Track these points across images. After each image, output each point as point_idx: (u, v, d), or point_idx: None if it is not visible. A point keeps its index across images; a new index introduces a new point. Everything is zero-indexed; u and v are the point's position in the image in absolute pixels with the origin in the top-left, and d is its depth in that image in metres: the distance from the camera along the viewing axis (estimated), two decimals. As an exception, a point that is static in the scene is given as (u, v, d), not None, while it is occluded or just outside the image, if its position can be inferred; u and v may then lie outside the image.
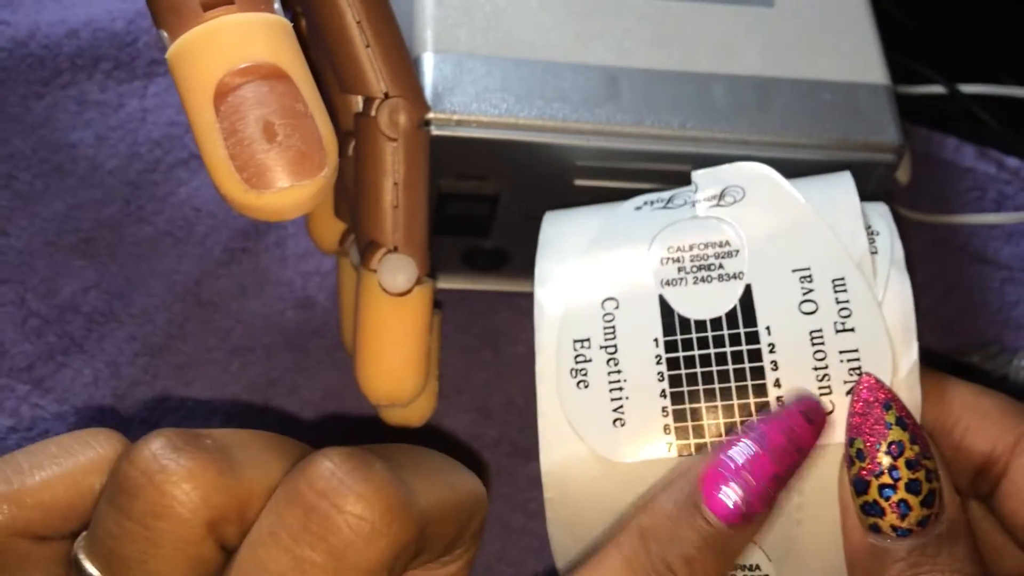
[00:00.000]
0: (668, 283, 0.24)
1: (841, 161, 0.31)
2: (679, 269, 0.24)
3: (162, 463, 0.19)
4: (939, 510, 0.21)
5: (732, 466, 0.21)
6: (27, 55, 0.39)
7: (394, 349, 0.27)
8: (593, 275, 0.25)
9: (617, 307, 0.24)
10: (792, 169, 0.30)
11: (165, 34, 0.21)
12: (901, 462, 0.21)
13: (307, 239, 0.36)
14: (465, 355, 0.35)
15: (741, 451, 0.21)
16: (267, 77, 0.20)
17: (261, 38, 0.21)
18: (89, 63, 0.39)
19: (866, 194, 0.32)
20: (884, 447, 0.21)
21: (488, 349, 0.35)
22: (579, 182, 0.31)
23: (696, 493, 0.21)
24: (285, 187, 0.20)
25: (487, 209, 0.32)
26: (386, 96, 0.26)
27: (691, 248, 0.24)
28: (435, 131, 0.29)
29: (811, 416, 0.21)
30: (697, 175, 0.26)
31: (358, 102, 0.26)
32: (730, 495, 0.20)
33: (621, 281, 0.24)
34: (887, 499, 0.21)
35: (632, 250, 0.25)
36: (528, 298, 0.26)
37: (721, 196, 0.25)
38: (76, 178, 0.37)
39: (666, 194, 0.26)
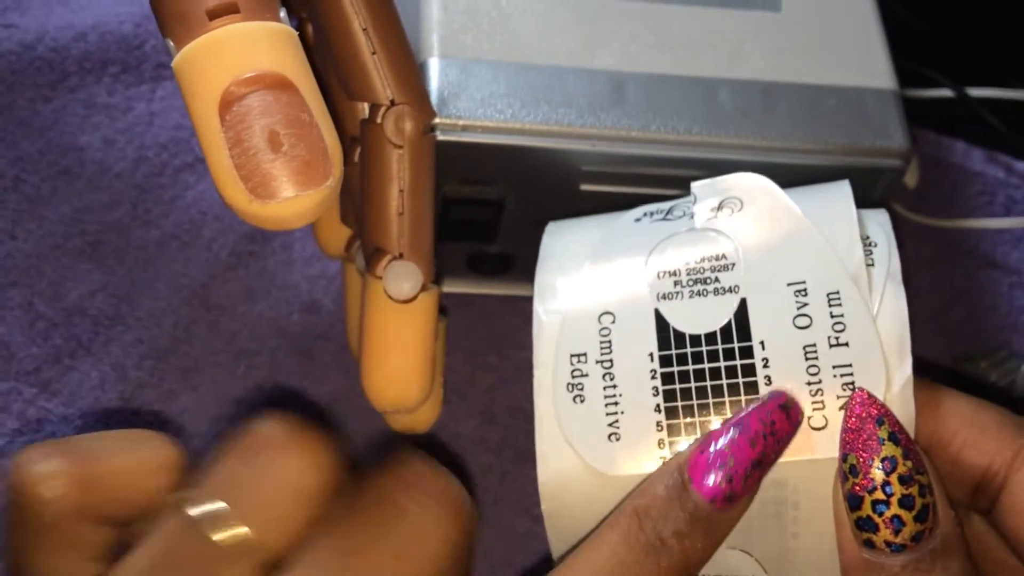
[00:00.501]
0: (664, 297, 0.24)
1: (848, 166, 0.31)
2: (675, 283, 0.24)
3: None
4: (933, 525, 0.21)
5: (715, 452, 0.22)
6: (35, 58, 0.39)
7: (399, 356, 0.27)
8: (591, 289, 0.25)
9: (614, 321, 0.24)
10: (798, 174, 0.30)
11: (171, 43, 0.21)
12: (894, 477, 0.21)
13: (313, 243, 0.36)
14: (470, 359, 0.35)
15: (724, 439, 0.22)
16: (272, 87, 0.21)
17: (266, 48, 0.21)
18: (97, 66, 0.39)
19: (872, 199, 0.32)
20: (877, 463, 0.21)
21: (493, 353, 0.35)
22: (585, 187, 0.31)
23: (684, 477, 0.22)
24: (290, 197, 0.20)
25: (492, 214, 0.32)
26: (392, 103, 0.26)
27: (687, 262, 0.24)
28: (440, 136, 0.29)
29: (787, 407, 0.22)
30: (696, 186, 0.26)
31: (364, 109, 0.26)
32: (714, 478, 0.22)
33: (618, 295, 0.24)
34: (880, 515, 0.21)
35: (630, 264, 0.25)
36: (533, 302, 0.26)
37: (719, 208, 0.25)
38: (83, 181, 0.37)
39: (665, 205, 0.26)
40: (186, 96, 0.21)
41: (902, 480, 0.21)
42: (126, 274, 0.35)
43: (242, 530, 0.20)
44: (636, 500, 0.22)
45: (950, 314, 0.38)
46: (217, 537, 0.20)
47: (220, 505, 0.21)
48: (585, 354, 0.24)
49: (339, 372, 0.34)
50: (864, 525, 0.22)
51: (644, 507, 0.22)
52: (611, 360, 0.24)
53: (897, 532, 0.21)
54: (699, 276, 0.24)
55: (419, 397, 0.27)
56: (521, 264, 0.35)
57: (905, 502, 0.21)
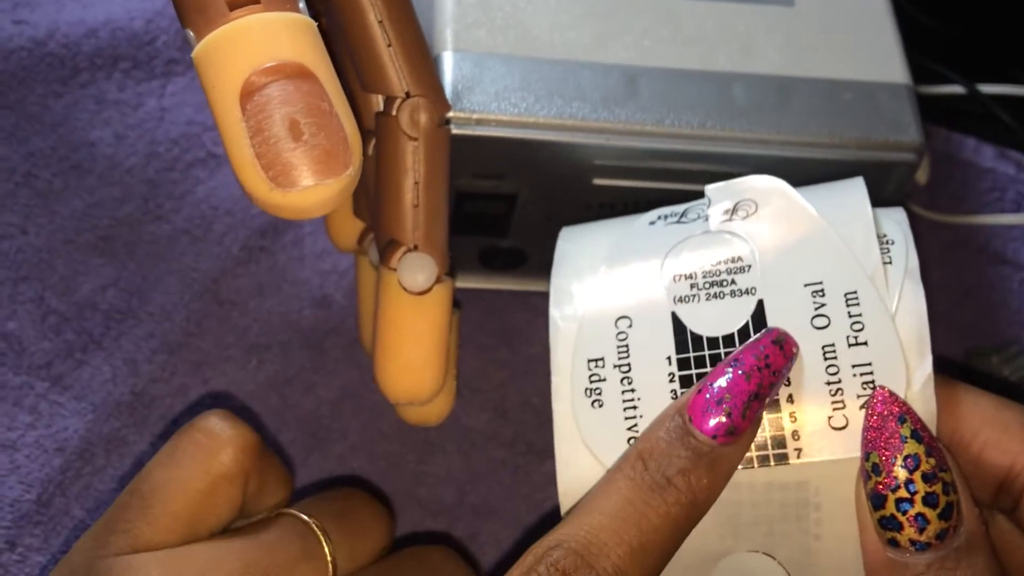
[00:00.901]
0: (681, 300, 0.24)
1: (861, 161, 0.31)
2: (691, 286, 0.24)
3: None
4: (957, 522, 0.21)
5: (714, 390, 0.22)
6: (46, 54, 0.39)
7: (413, 347, 0.27)
8: (607, 294, 0.25)
9: (631, 325, 0.24)
10: (812, 168, 0.30)
11: (191, 33, 0.21)
12: (917, 475, 0.21)
13: (324, 238, 0.36)
14: (481, 354, 0.35)
15: (720, 378, 0.22)
16: (293, 76, 0.21)
17: (287, 37, 0.21)
18: (108, 62, 0.39)
19: (886, 194, 0.32)
20: (900, 460, 0.21)
21: (505, 348, 0.35)
22: (598, 181, 0.31)
23: (685, 418, 0.22)
24: (310, 185, 0.20)
25: (505, 208, 0.32)
26: (407, 95, 0.26)
27: (703, 264, 0.24)
28: (454, 130, 0.29)
29: (780, 341, 0.23)
30: (710, 189, 0.26)
31: (379, 101, 0.26)
32: (714, 414, 0.22)
33: (634, 299, 0.25)
34: (904, 513, 0.21)
35: (645, 267, 0.25)
36: (545, 297, 0.26)
37: (734, 210, 0.25)
38: (95, 176, 0.37)
39: (680, 208, 0.26)
40: (206, 86, 0.21)
41: (925, 478, 0.21)
42: (137, 269, 0.35)
43: (332, 548, 0.26)
44: (639, 445, 0.22)
45: (961, 310, 0.38)
46: (318, 543, 0.25)
47: (328, 524, 0.26)
48: (603, 359, 0.24)
49: (350, 366, 0.34)
50: (888, 524, 0.21)
51: (647, 450, 0.22)
52: (629, 364, 0.24)
53: (921, 530, 0.21)
54: (715, 279, 0.24)
55: (433, 388, 0.27)
56: (533, 259, 0.35)
57: (929, 500, 0.21)
